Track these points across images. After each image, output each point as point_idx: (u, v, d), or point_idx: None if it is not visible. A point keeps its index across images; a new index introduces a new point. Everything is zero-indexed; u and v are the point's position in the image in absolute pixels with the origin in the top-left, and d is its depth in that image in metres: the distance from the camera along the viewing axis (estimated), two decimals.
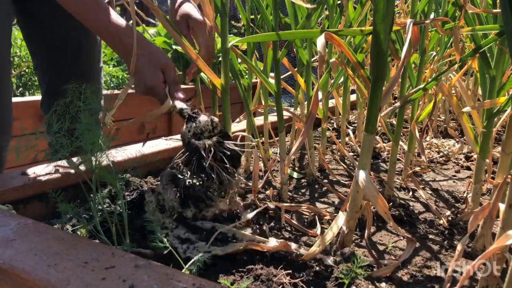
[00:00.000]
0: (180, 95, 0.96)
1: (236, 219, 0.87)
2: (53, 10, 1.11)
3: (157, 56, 0.96)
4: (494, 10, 0.93)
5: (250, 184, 1.15)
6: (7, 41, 1.17)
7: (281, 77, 1.24)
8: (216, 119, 0.89)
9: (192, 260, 0.72)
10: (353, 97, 2.07)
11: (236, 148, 0.87)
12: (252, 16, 1.36)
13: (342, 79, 1.61)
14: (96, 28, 0.96)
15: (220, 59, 1.06)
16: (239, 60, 1.26)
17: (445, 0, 1.24)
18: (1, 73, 1.12)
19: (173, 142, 1.37)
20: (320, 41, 0.80)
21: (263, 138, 1.46)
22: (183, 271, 0.67)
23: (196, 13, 1.06)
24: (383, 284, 0.75)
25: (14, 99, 1.63)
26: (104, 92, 1.53)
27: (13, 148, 1.05)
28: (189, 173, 0.86)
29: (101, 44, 1.46)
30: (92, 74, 1.41)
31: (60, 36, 1.31)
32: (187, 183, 0.86)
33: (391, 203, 1.10)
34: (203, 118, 0.88)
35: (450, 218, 1.04)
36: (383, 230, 1.00)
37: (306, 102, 1.35)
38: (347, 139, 1.73)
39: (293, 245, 0.81)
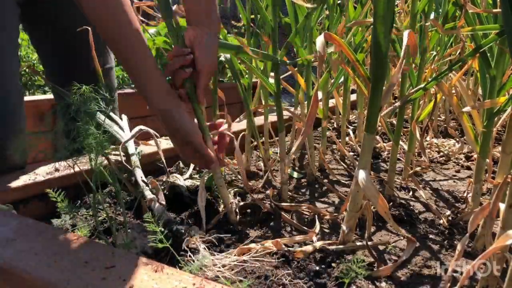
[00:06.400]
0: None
1: None
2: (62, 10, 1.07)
3: (182, 133, 0.90)
4: (494, 10, 0.93)
5: (250, 184, 1.15)
6: (15, 42, 1.15)
7: (281, 76, 1.23)
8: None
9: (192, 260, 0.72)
10: (353, 97, 2.07)
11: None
12: (252, 16, 1.36)
13: (342, 79, 1.61)
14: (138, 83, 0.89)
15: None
16: (239, 61, 1.26)
17: None
18: (9, 71, 1.09)
19: None
20: (320, 40, 0.80)
21: (263, 138, 1.45)
22: (183, 270, 0.67)
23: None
24: (383, 284, 0.75)
25: None
26: None
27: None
28: None
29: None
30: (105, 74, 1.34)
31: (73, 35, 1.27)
32: None
33: (391, 203, 1.10)
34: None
35: (450, 218, 1.04)
36: (383, 230, 1.00)
37: (306, 102, 1.35)
38: (347, 139, 1.73)
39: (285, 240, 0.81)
